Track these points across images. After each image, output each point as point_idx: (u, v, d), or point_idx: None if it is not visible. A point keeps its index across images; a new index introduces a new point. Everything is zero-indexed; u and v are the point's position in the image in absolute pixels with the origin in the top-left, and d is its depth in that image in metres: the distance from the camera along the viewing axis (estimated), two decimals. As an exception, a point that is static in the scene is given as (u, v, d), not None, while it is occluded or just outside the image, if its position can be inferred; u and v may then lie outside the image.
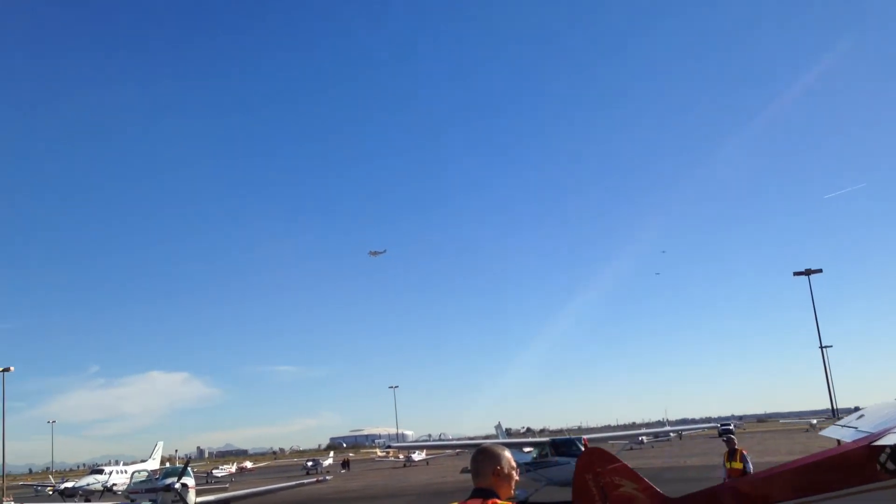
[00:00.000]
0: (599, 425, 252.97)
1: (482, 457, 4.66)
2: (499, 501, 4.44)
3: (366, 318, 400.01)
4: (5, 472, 78.43)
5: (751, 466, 18.01)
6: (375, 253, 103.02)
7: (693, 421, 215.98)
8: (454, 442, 63.79)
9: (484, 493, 4.52)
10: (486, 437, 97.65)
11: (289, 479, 58.29)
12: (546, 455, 30.08)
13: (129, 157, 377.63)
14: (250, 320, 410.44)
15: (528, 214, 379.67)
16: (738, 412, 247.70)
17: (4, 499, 64.46)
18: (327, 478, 41.06)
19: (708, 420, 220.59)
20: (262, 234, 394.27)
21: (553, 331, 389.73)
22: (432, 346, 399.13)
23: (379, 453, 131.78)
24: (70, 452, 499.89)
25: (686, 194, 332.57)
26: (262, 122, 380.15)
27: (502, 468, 4.59)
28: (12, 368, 72.27)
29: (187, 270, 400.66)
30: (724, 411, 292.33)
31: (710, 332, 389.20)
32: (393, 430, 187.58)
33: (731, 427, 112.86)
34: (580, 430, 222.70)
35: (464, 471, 42.30)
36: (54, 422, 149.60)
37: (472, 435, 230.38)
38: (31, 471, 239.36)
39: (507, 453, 4.70)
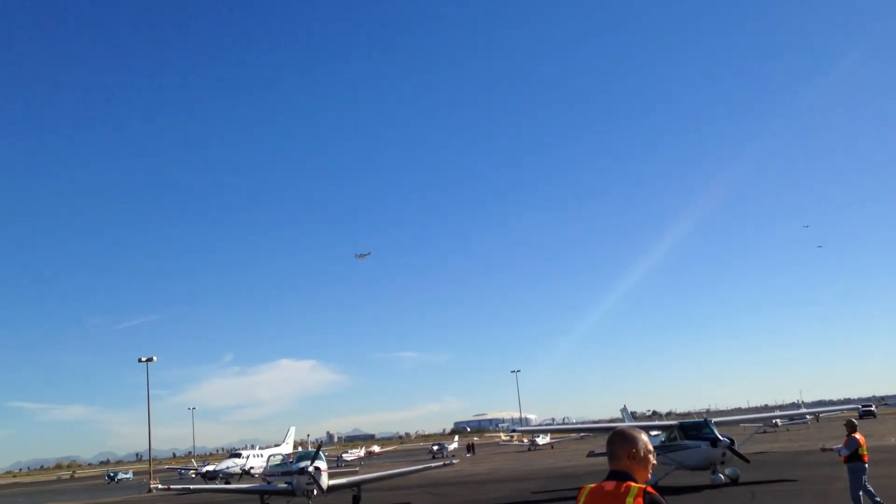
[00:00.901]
0: (729, 407, 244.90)
1: (617, 439, 4.53)
2: (634, 485, 4.31)
3: (485, 303, 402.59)
4: (151, 457, 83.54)
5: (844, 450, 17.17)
6: (361, 255, 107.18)
7: (831, 403, 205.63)
8: (579, 425, 63.13)
9: (619, 475, 4.40)
10: (612, 421, 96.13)
11: (416, 462, 59.13)
12: (675, 438, 29.32)
13: (253, 163, 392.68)
14: (373, 309, 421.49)
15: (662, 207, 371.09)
16: (882, 392, 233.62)
17: (151, 481, 68.55)
18: (454, 461, 41.37)
19: (847, 401, 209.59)
20: (381, 223, 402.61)
21: (679, 312, 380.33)
22: (554, 331, 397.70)
23: (503, 437, 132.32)
24: (209, 437, 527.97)
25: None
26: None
27: (638, 451, 4.45)
28: (155, 358, 76.76)
29: (311, 264, 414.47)
30: (865, 392, 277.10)
31: (848, 309, 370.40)
32: (516, 415, 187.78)
33: (873, 408, 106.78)
34: (709, 412, 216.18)
35: (590, 454, 41.74)
36: (194, 408, 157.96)
37: (596, 418, 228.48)
38: (174, 455, 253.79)
39: (644, 436, 4.56)
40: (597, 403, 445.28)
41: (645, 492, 4.21)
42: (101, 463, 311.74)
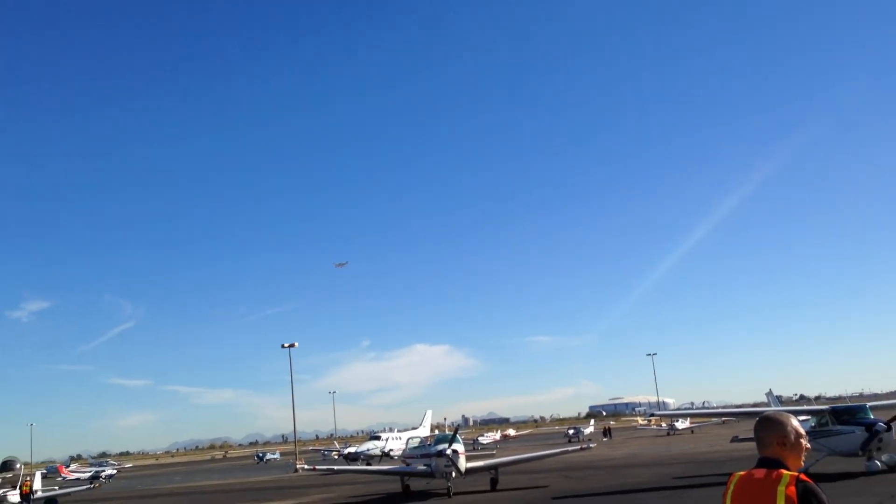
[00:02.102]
0: (885, 391, 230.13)
1: (766, 425, 4.38)
2: (786, 472, 4.15)
3: (620, 287, 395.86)
4: (296, 438, 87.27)
5: None
6: (340, 265, 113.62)
7: None
8: (720, 410, 61.07)
9: (770, 462, 4.26)
10: (755, 405, 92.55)
11: (551, 446, 59.13)
12: (826, 424, 27.92)
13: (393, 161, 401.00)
14: (504, 293, 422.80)
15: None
16: None
17: (297, 462, 71.54)
18: (591, 445, 41.02)
19: None
20: (517, 212, 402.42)
21: (825, 287, 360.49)
22: (692, 313, 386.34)
23: (640, 421, 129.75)
24: (349, 420, 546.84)
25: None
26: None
27: (788, 437, 4.30)
28: (297, 344, 79.85)
29: (441, 251, 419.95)
30: None
31: None
32: (653, 398, 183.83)
33: None
34: (861, 396, 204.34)
35: (734, 439, 40.39)
36: (335, 392, 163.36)
37: (738, 402, 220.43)
38: (317, 437, 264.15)
39: (794, 421, 4.39)
40: (739, 387, 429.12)
41: (798, 479, 4.05)
42: (251, 444, 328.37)
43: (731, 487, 4.29)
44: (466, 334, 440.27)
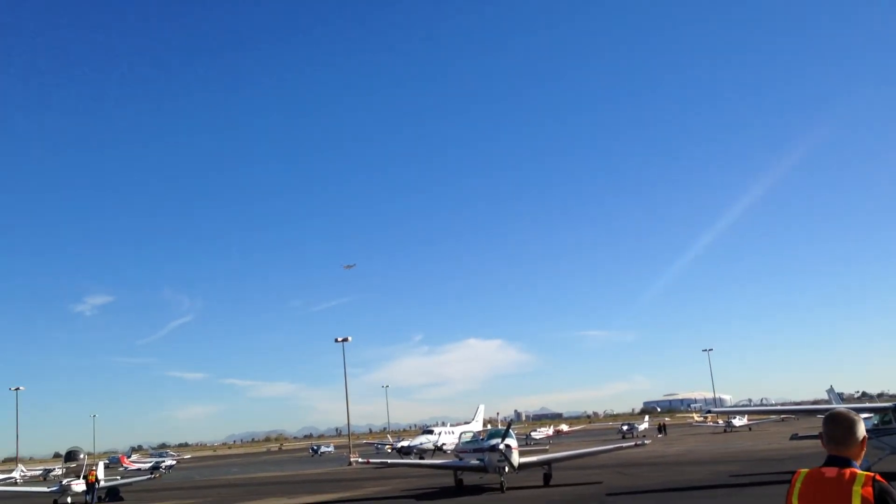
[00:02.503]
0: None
1: (836, 422, 4.31)
2: (860, 472, 4.09)
3: (674, 281, 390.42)
4: (350, 431, 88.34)
5: None
6: (348, 266, 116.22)
7: None
8: (779, 407, 59.96)
9: (840, 461, 4.19)
10: (815, 402, 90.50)
11: (605, 442, 58.81)
12: (889, 421, 27.20)
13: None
14: (557, 287, 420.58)
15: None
16: None
17: (351, 455, 72.35)
18: (645, 442, 40.62)
19: None
20: (570, 203, 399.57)
21: (892, 282, 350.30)
22: (749, 308, 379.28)
23: (696, 418, 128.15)
24: (401, 414, 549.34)
25: None
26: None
27: (857, 435, 4.24)
28: (350, 338, 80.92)
29: (494, 244, 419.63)
30: None
31: None
32: (708, 394, 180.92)
33: None
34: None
35: (794, 437, 39.51)
36: (387, 386, 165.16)
37: (797, 400, 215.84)
38: (370, 430, 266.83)
39: (861, 419, 4.32)
40: (798, 383, 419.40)
41: (874, 480, 3.98)
42: (305, 437, 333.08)
43: (798, 486, 4.22)
44: (519, 329, 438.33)
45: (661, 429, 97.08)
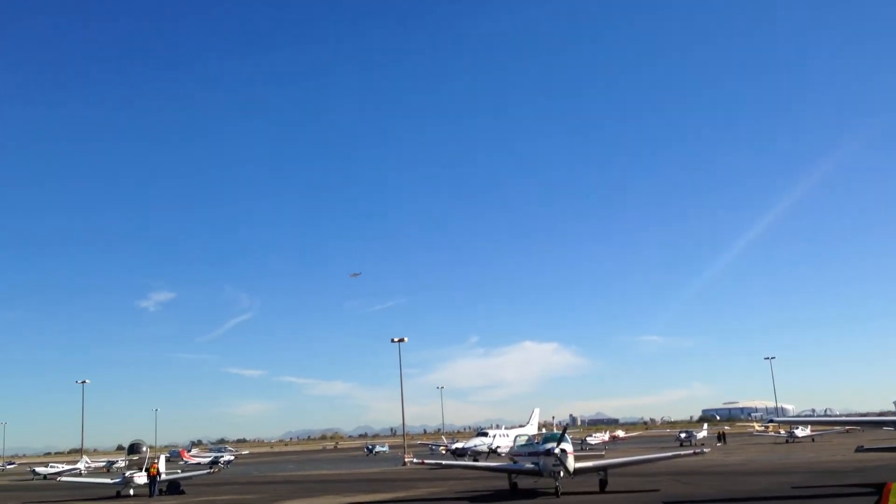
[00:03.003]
0: None
1: None
2: None
3: (735, 288, 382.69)
4: (405, 432, 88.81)
5: None
6: (355, 275, 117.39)
7: None
8: (844, 418, 58.26)
9: None
10: (881, 414, 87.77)
11: (662, 449, 57.86)
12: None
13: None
14: (615, 291, 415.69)
15: None
16: None
17: (406, 455, 72.75)
18: (704, 450, 39.81)
19: None
20: (629, 205, 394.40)
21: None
22: (812, 316, 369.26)
23: (757, 427, 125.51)
24: (456, 415, 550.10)
25: None
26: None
27: None
28: (406, 339, 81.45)
29: (552, 246, 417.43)
30: None
31: None
32: (770, 403, 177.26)
33: None
34: None
35: (860, 449, 38.32)
36: (442, 387, 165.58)
37: (863, 411, 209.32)
38: (424, 431, 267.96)
39: None
40: (862, 395, 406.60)
41: None
42: (360, 436, 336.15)
43: (893, 499, 4.09)
44: (575, 332, 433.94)
45: (721, 437, 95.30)
